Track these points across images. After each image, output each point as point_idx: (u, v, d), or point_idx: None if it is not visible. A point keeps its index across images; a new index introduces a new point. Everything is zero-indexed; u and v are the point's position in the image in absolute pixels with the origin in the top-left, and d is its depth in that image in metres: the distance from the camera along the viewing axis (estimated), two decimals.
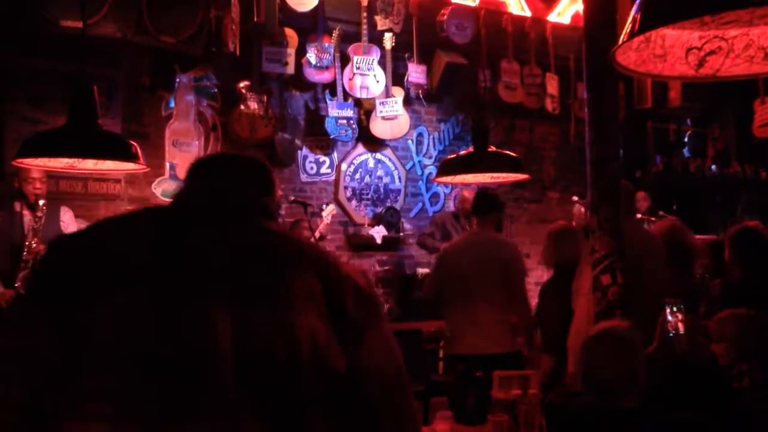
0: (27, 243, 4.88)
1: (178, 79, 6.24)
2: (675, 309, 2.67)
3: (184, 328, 1.17)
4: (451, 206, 7.93)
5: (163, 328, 1.17)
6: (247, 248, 1.27)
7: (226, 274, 1.22)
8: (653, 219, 7.11)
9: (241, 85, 6.41)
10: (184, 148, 6.37)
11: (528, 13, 7.53)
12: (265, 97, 6.49)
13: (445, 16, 7.12)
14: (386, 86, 6.97)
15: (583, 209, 6.90)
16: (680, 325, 2.68)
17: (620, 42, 1.82)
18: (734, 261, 4.07)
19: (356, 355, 1.25)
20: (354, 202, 7.33)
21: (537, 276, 7.85)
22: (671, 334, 2.64)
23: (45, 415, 1.15)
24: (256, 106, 6.42)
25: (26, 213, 5.00)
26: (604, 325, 2.71)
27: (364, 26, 6.80)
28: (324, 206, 6.08)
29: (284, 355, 1.18)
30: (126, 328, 1.16)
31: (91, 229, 1.38)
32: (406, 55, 7.18)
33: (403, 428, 1.33)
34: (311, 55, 6.63)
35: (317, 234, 5.59)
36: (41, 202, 4.98)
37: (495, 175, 4.51)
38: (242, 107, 6.39)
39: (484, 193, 5.00)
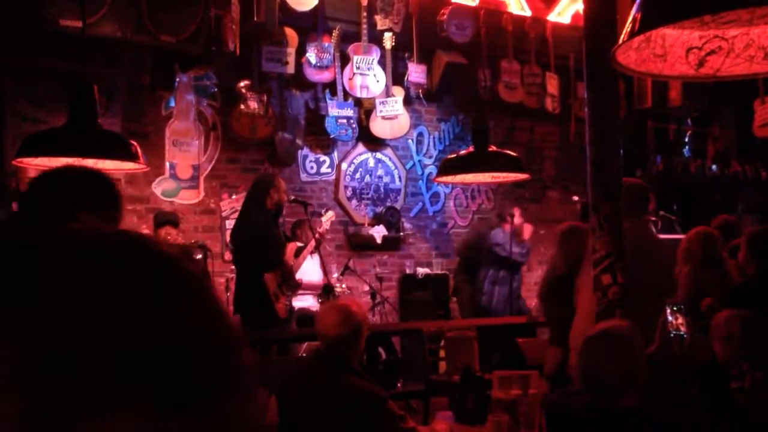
0: None
1: (178, 79, 6.24)
2: (675, 309, 2.67)
3: None
4: (451, 206, 7.94)
5: None
6: None
7: None
8: (654, 218, 7.11)
9: (241, 84, 6.41)
10: (184, 148, 6.37)
11: (528, 13, 7.52)
12: (265, 97, 6.49)
13: (445, 16, 7.12)
14: (386, 86, 6.97)
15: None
16: (681, 327, 2.68)
17: (620, 41, 1.82)
18: (749, 260, 4.08)
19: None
20: (354, 202, 7.33)
21: (537, 276, 7.85)
22: (671, 335, 2.64)
23: None
24: (256, 105, 6.42)
25: None
26: (604, 325, 2.71)
27: (364, 26, 6.80)
28: (323, 212, 6.06)
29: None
30: None
31: None
32: (406, 55, 7.18)
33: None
34: (311, 55, 6.63)
35: (317, 237, 5.58)
36: None
37: (495, 174, 4.52)
38: (242, 107, 6.39)
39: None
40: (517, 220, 6.76)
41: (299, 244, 5.66)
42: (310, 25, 6.67)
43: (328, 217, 5.92)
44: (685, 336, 2.66)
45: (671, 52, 1.94)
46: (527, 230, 6.80)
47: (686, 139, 9.84)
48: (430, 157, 7.84)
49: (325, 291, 5.70)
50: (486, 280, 6.81)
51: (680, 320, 2.72)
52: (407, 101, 7.27)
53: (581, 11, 3.98)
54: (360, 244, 7.24)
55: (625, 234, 3.62)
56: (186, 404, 0.51)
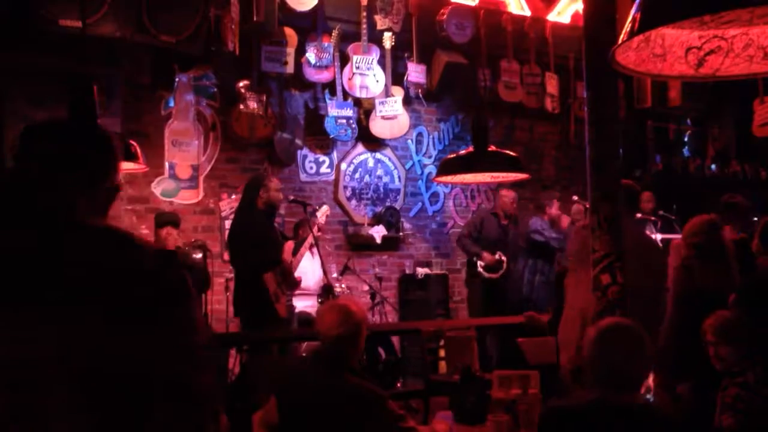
0: None
1: (177, 79, 6.24)
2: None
3: None
4: (450, 206, 7.94)
5: None
6: (30, 252, 1.26)
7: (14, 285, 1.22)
8: (653, 218, 7.11)
9: (241, 84, 6.40)
10: (183, 148, 6.37)
11: (528, 13, 7.52)
12: (265, 97, 6.48)
13: (445, 16, 7.12)
14: (386, 86, 6.97)
15: (582, 208, 6.92)
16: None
17: (620, 41, 1.82)
18: (761, 251, 4.08)
19: (144, 343, 1.24)
20: (354, 202, 7.33)
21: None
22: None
23: None
24: (255, 105, 6.41)
25: None
26: (615, 319, 2.70)
27: (364, 26, 6.80)
28: (317, 207, 6.09)
29: (57, 358, 1.18)
30: None
31: None
32: (406, 55, 7.17)
33: (192, 410, 1.30)
34: (311, 55, 6.63)
35: (314, 232, 5.61)
36: None
37: (495, 174, 4.51)
38: (242, 107, 6.39)
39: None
40: (555, 210, 7.14)
41: (292, 243, 5.65)
42: (310, 25, 6.67)
43: (323, 212, 5.95)
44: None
45: (671, 51, 1.94)
46: (565, 220, 7.07)
47: (686, 139, 9.84)
48: (430, 157, 7.84)
49: (325, 291, 5.70)
50: (525, 269, 7.04)
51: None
52: (407, 101, 7.27)
53: (581, 11, 3.98)
54: (359, 244, 7.24)
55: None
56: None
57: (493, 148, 4.43)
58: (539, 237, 6.97)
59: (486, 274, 6.88)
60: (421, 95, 7.37)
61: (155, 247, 1.39)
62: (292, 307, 5.68)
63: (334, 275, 6.63)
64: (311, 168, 7.16)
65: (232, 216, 6.40)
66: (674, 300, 3.93)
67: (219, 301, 6.05)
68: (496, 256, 6.82)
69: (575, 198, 7.15)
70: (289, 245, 5.49)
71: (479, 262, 6.89)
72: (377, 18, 6.85)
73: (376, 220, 7.28)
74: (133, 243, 1.34)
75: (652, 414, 2.44)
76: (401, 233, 7.46)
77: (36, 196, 1.35)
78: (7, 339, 1.18)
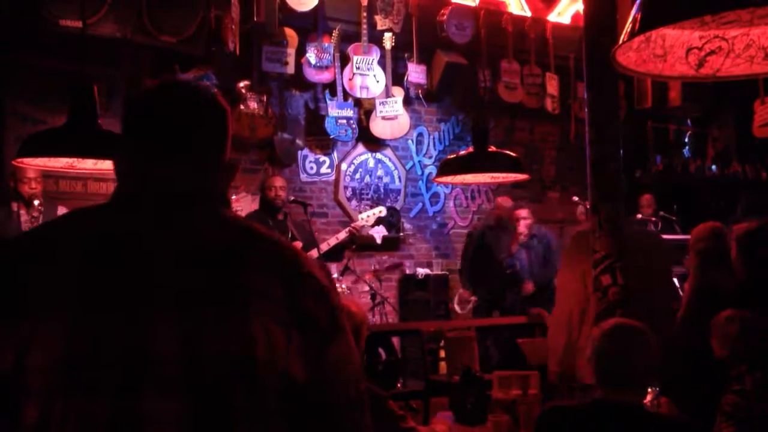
0: None
1: None
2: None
3: (123, 339, 1.10)
4: (451, 206, 7.93)
5: (100, 343, 1.10)
6: (193, 247, 1.17)
7: (169, 278, 1.14)
8: (654, 219, 7.11)
9: (241, 84, 6.40)
10: None
11: (528, 13, 7.53)
12: (265, 97, 6.49)
13: (445, 16, 7.12)
14: (386, 86, 6.97)
15: (585, 208, 6.90)
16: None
17: (620, 42, 1.82)
18: (738, 261, 4.07)
19: (317, 366, 1.16)
20: (354, 202, 7.33)
21: None
22: None
23: None
24: (255, 105, 6.42)
25: (23, 213, 5.01)
26: (620, 319, 2.70)
27: (364, 26, 6.80)
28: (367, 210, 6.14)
29: (237, 360, 1.11)
30: (59, 347, 1.09)
31: (27, 235, 1.29)
32: (406, 55, 7.17)
33: None
34: (311, 55, 6.63)
35: (349, 230, 5.67)
36: (36, 202, 4.97)
37: (495, 175, 4.51)
38: (242, 107, 6.39)
39: None
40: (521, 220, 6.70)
41: (299, 244, 5.66)
42: (310, 26, 6.67)
43: (375, 212, 5.96)
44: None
45: (671, 52, 1.94)
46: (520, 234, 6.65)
47: (686, 140, 9.83)
48: (430, 158, 7.84)
49: None
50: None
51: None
52: (407, 101, 7.27)
53: (581, 11, 3.97)
54: (359, 245, 7.24)
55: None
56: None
57: (493, 148, 4.43)
58: (503, 268, 6.57)
59: (457, 307, 6.82)
60: (421, 96, 7.37)
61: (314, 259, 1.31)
62: None
63: (334, 275, 6.63)
64: (311, 168, 7.16)
65: None
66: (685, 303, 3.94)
67: None
68: (472, 297, 6.62)
69: (575, 199, 7.15)
70: (295, 246, 5.50)
71: (456, 296, 6.83)
72: (377, 18, 6.85)
73: (377, 220, 7.27)
74: (300, 251, 1.27)
75: (654, 415, 2.44)
76: (401, 234, 7.46)
77: (186, 185, 1.25)
78: (186, 339, 1.11)
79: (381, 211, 6.02)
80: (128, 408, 1.08)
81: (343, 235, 5.67)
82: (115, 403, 1.08)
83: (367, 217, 5.88)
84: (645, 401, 2.55)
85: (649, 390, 2.66)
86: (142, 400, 1.08)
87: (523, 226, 6.51)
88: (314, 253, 5.47)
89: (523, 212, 6.60)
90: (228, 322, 1.12)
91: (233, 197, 6.60)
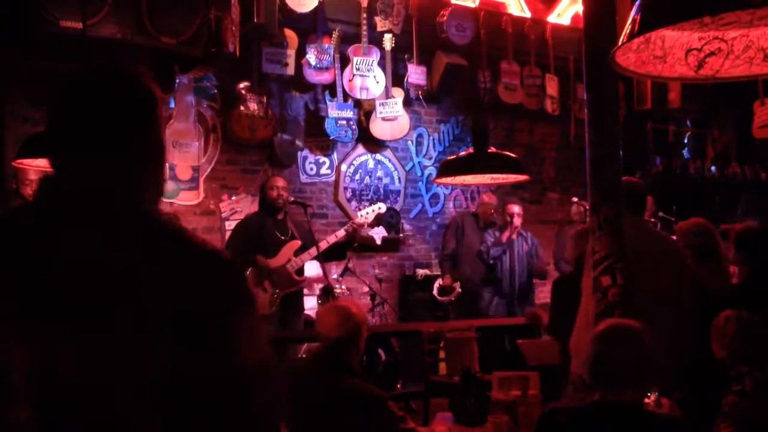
0: None
1: (177, 80, 6.24)
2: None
3: (12, 360, 1.10)
4: (450, 207, 7.93)
5: None
6: (94, 259, 1.13)
7: (67, 290, 1.12)
8: (653, 220, 7.11)
9: (241, 86, 6.41)
10: (183, 149, 6.37)
11: (528, 14, 7.53)
12: (265, 98, 6.49)
13: (445, 17, 7.12)
14: (386, 87, 6.97)
15: (582, 209, 6.90)
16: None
17: (620, 43, 1.82)
18: (739, 262, 4.07)
19: (206, 360, 1.14)
20: (354, 203, 7.33)
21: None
22: None
23: None
24: (255, 107, 6.42)
25: None
26: (614, 320, 2.71)
27: (364, 27, 6.80)
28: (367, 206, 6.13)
29: (97, 378, 1.10)
30: None
31: None
32: (406, 56, 7.18)
33: (257, 428, 1.20)
34: (311, 56, 6.63)
35: (349, 228, 5.68)
36: None
37: (495, 176, 4.52)
38: (242, 108, 6.39)
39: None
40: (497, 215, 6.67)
41: (298, 243, 5.66)
42: (310, 27, 6.68)
43: (374, 209, 5.96)
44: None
45: (671, 53, 1.94)
46: (506, 232, 6.55)
47: (686, 141, 9.84)
48: (430, 159, 7.84)
49: (325, 292, 5.71)
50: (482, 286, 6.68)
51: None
52: (407, 102, 7.27)
53: (581, 13, 3.98)
54: (359, 245, 7.24)
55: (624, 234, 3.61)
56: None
57: (493, 149, 4.43)
58: (485, 257, 6.49)
59: (438, 297, 6.74)
60: (421, 97, 7.38)
61: (212, 246, 1.25)
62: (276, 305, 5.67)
63: (334, 276, 6.63)
64: (311, 169, 7.16)
65: (232, 217, 6.41)
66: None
67: None
68: (456, 284, 6.56)
69: (575, 199, 7.15)
70: (292, 245, 5.51)
71: (436, 283, 6.77)
72: (377, 19, 6.86)
73: (376, 221, 7.27)
74: (193, 242, 1.22)
75: (654, 415, 2.44)
76: (401, 234, 7.47)
77: (88, 181, 1.20)
78: (82, 359, 1.10)
79: (380, 207, 6.01)
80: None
81: (342, 233, 5.67)
82: None
83: (367, 214, 5.88)
84: (646, 401, 2.55)
85: (652, 396, 2.66)
86: (9, 410, 1.10)
87: (518, 220, 6.48)
88: (313, 251, 5.48)
89: (517, 207, 6.57)
90: (115, 341, 1.11)
91: (233, 197, 6.61)
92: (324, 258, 5.55)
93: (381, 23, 6.87)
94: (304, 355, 5.51)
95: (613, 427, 2.30)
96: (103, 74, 1.27)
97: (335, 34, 6.72)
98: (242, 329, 1.19)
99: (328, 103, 6.83)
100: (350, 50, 6.86)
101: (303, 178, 7.10)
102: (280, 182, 5.71)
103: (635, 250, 3.35)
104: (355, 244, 6.25)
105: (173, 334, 1.12)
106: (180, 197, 6.39)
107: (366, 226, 6.14)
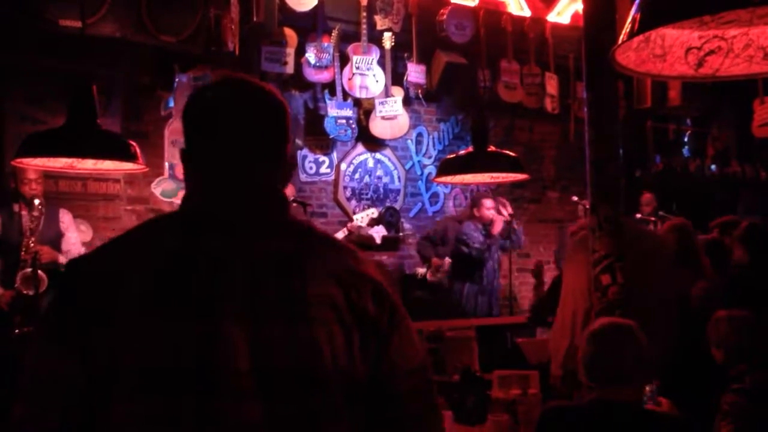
0: (25, 243, 4.89)
1: (177, 79, 6.23)
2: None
3: (197, 350, 1.15)
4: (450, 206, 7.93)
5: (177, 352, 1.15)
6: (261, 257, 1.21)
7: (238, 289, 1.18)
8: (654, 219, 7.11)
9: None
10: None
11: (527, 13, 7.53)
12: None
13: (445, 16, 7.12)
14: (386, 86, 6.96)
15: (583, 208, 6.89)
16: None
17: (620, 42, 1.82)
18: (743, 256, 4.08)
19: (379, 362, 1.22)
20: (353, 202, 7.33)
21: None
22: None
23: None
24: None
25: (24, 213, 5.01)
26: (608, 318, 2.73)
27: (364, 26, 6.80)
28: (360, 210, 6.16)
29: (305, 369, 1.17)
30: (142, 353, 1.16)
31: (105, 248, 1.31)
32: (406, 55, 7.17)
33: (431, 427, 1.30)
34: (310, 55, 6.63)
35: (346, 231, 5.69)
36: (36, 202, 4.97)
37: (495, 174, 4.51)
38: None
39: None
40: (485, 211, 6.59)
41: None
42: (310, 25, 6.67)
43: (368, 214, 5.97)
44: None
45: (671, 52, 1.94)
46: (497, 224, 6.56)
47: (685, 139, 9.84)
48: (430, 157, 7.83)
49: None
50: (456, 280, 6.74)
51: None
52: (407, 101, 7.26)
53: (581, 11, 3.98)
54: (359, 245, 7.22)
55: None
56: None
57: (492, 148, 4.43)
58: (464, 249, 6.51)
59: (429, 279, 6.74)
60: (420, 95, 7.37)
61: (368, 257, 1.34)
62: None
63: None
64: (311, 168, 7.16)
65: None
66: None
67: None
68: (444, 260, 6.60)
69: (575, 199, 7.15)
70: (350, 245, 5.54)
71: (422, 269, 6.80)
72: (377, 18, 6.85)
73: (376, 220, 7.27)
74: (358, 253, 1.30)
75: (650, 412, 2.45)
76: (401, 233, 7.46)
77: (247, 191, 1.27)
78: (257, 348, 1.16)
79: (373, 212, 6.07)
80: (207, 413, 1.14)
81: (340, 235, 5.69)
82: (194, 407, 1.14)
83: (361, 218, 5.91)
84: (642, 398, 2.56)
85: (647, 389, 2.67)
86: (218, 408, 1.14)
87: (499, 216, 6.51)
88: None
89: (489, 201, 6.61)
90: (295, 332, 1.17)
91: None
92: None
93: (381, 22, 6.86)
94: None
95: (612, 425, 2.32)
96: (247, 84, 1.32)
97: (335, 33, 6.71)
98: (413, 328, 1.30)
99: (328, 101, 6.83)
100: (350, 49, 6.86)
101: (302, 177, 7.09)
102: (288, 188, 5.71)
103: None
104: None
105: (359, 326, 1.20)
106: (180, 196, 6.35)
107: (366, 226, 6.16)
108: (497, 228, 6.54)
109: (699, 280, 4.14)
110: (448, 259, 6.60)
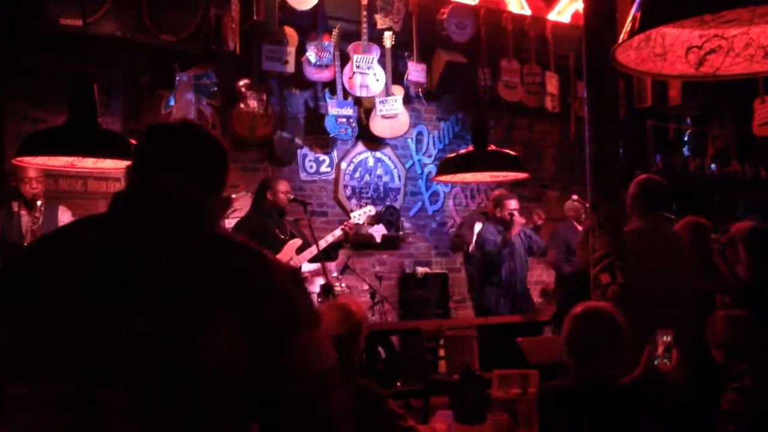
0: (25, 243, 4.88)
1: (177, 78, 6.23)
2: (665, 338, 2.69)
3: (86, 337, 1.21)
4: (450, 205, 7.93)
5: (65, 339, 1.22)
6: (170, 258, 1.27)
7: (146, 280, 1.23)
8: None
9: (241, 83, 6.40)
10: None
11: (528, 12, 7.53)
12: (265, 96, 6.48)
13: (445, 15, 7.12)
14: (386, 85, 6.97)
15: (576, 205, 6.89)
16: (667, 356, 2.68)
17: (620, 40, 1.82)
18: (744, 260, 4.07)
19: (273, 366, 1.24)
20: (354, 201, 7.33)
21: (536, 275, 7.86)
22: (656, 362, 2.65)
23: None
24: (255, 104, 6.41)
25: (24, 213, 5.00)
26: (587, 303, 2.87)
27: (364, 25, 6.80)
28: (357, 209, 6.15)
29: (184, 366, 1.19)
30: (41, 340, 1.24)
31: (38, 241, 1.43)
32: (406, 54, 7.18)
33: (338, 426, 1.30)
34: (311, 54, 6.63)
35: (344, 228, 5.68)
36: (39, 203, 4.97)
37: (495, 173, 4.52)
38: (242, 106, 6.39)
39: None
40: (507, 213, 6.38)
41: (299, 241, 5.66)
42: (310, 24, 6.67)
43: (365, 211, 5.97)
44: (668, 363, 2.67)
45: (671, 51, 1.94)
46: (516, 226, 6.34)
47: (686, 138, 9.84)
48: (430, 156, 7.83)
49: (325, 290, 5.70)
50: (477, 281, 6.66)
51: (668, 348, 2.71)
52: (407, 100, 7.27)
53: (581, 10, 3.98)
54: (359, 243, 7.24)
55: (642, 230, 3.61)
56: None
57: (493, 147, 4.43)
58: (480, 250, 6.37)
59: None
60: (421, 94, 7.38)
61: (283, 264, 1.38)
62: None
63: (334, 274, 6.63)
64: (311, 167, 7.16)
65: (231, 215, 6.40)
66: None
67: None
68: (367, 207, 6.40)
69: (575, 197, 7.15)
70: (293, 244, 5.52)
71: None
72: (377, 17, 6.85)
73: (376, 219, 7.27)
74: (267, 260, 1.33)
75: (629, 388, 2.59)
76: (401, 232, 7.46)
77: (175, 201, 1.36)
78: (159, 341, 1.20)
79: (371, 210, 6.07)
80: (88, 396, 1.20)
81: (338, 232, 5.69)
82: (75, 390, 1.20)
83: (359, 216, 5.92)
84: (664, 339, 2.68)
85: (663, 339, 2.70)
86: (98, 389, 1.20)
87: (519, 218, 6.41)
88: (313, 250, 5.49)
89: (514, 202, 6.50)
90: (182, 328, 1.21)
91: (233, 195, 6.59)
92: (323, 255, 5.56)
93: (381, 21, 6.86)
94: None
95: (593, 402, 2.50)
96: (194, 127, 1.53)
97: (335, 32, 6.71)
98: (319, 335, 1.32)
99: (328, 100, 6.83)
100: (350, 48, 6.86)
101: (303, 175, 7.09)
102: (284, 186, 5.72)
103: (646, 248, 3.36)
104: (348, 244, 6.27)
105: (251, 330, 1.22)
106: None
107: (364, 224, 6.15)
108: (515, 230, 6.30)
109: (713, 280, 4.13)
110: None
